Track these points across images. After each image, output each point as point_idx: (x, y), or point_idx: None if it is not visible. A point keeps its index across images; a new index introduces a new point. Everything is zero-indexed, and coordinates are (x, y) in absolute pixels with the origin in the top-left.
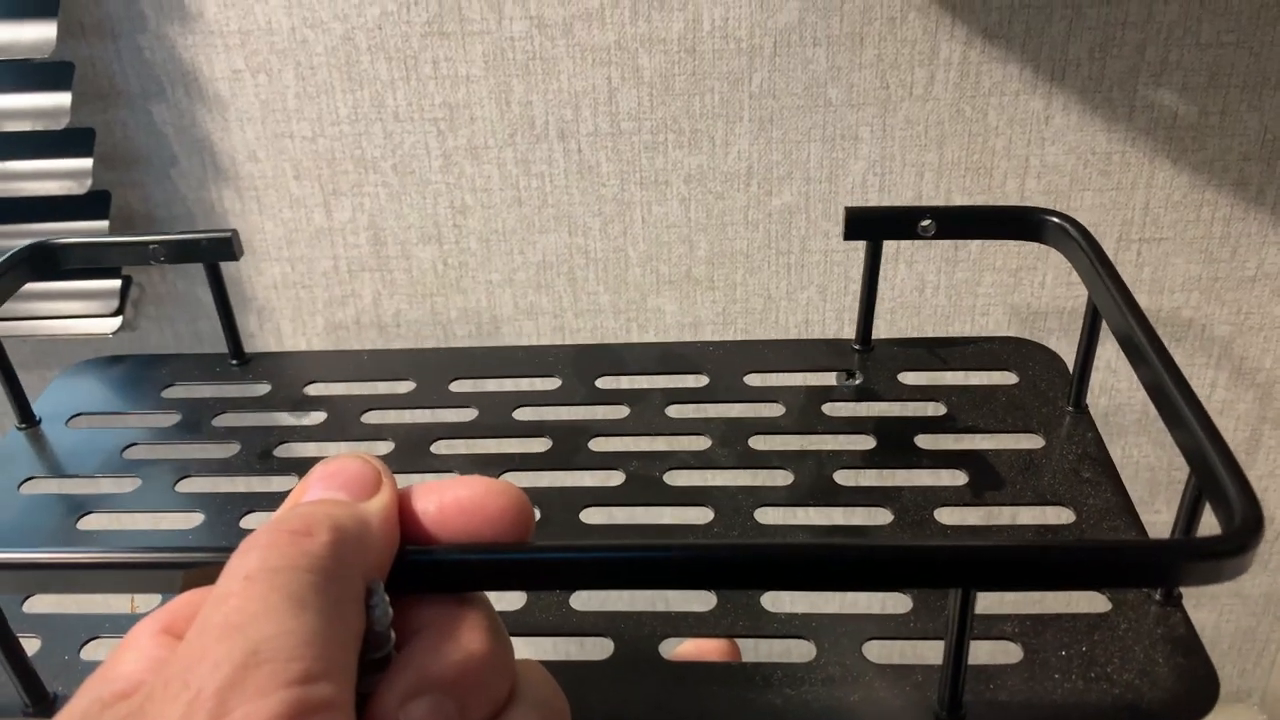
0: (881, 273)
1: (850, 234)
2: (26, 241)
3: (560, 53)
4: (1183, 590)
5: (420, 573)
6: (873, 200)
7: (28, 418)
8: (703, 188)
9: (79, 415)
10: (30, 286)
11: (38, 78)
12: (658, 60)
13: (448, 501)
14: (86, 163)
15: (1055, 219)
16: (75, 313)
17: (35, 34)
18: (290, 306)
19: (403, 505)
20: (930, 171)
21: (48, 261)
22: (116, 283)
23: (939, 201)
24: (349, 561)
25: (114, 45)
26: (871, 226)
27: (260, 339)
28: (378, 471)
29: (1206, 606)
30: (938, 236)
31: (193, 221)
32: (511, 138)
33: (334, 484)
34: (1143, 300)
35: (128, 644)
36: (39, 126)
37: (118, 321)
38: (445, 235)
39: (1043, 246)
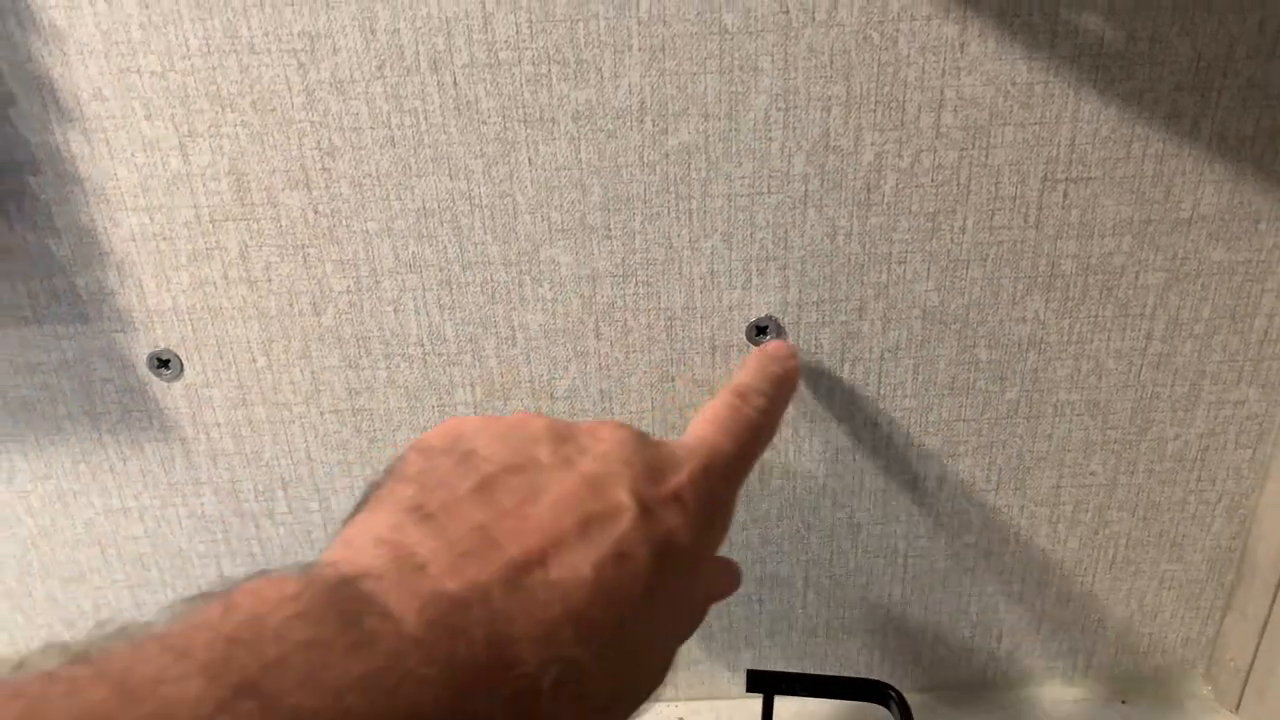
0: (789, 219)
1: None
2: None
3: None
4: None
5: None
6: (777, 138)
7: None
8: (592, 125)
9: None
10: None
11: None
12: None
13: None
14: None
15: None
16: None
17: None
18: (151, 261)
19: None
20: (838, 106)
21: None
22: None
23: (849, 139)
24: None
25: None
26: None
27: (122, 296)
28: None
29: (1146, 574)
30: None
31: (37, 167)
32: (379, 70)
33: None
34: (1070, 247)
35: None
36: None
37: None
38: (314, 180)
39: (963, 183)
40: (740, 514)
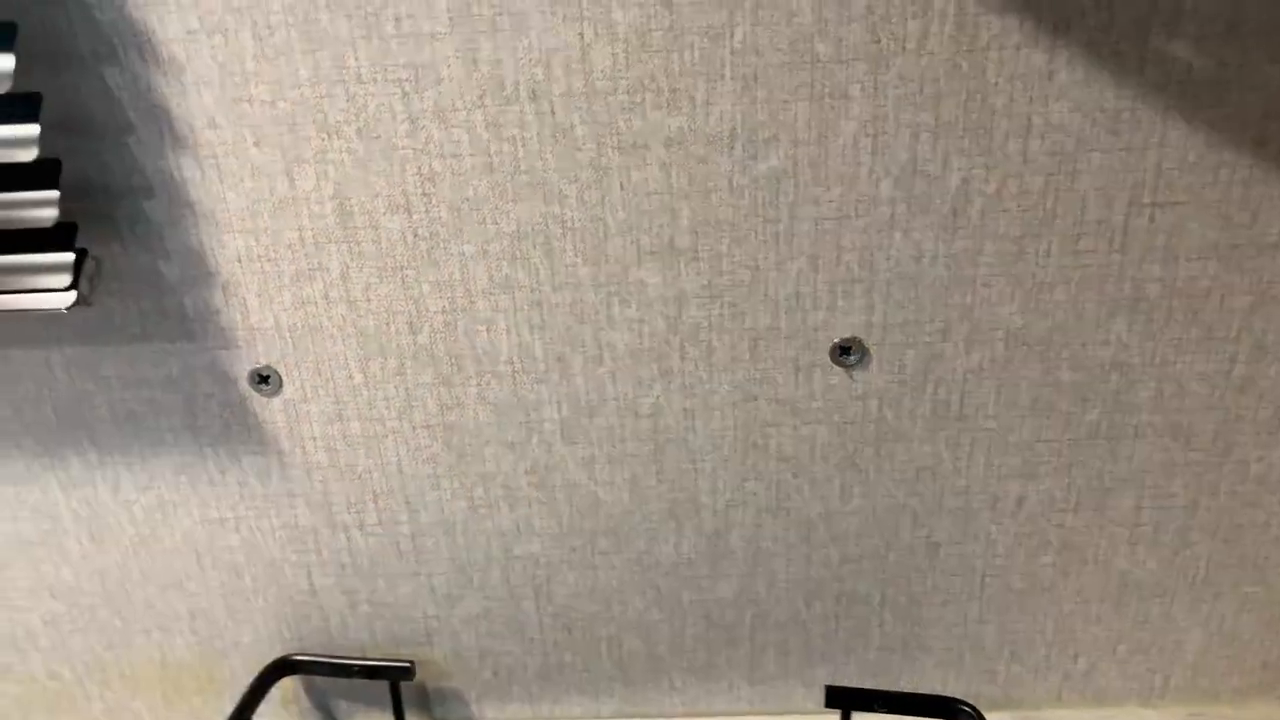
0: (875, 242)
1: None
2: None
3: (529, 7)
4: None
5: None
6: (865, 163)
7: None
8: (684, 151)
9: None
10: None
11: None
12: (632, 14)
13: None
14: (33, 129)
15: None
16: (27, 287)
17: None
18: (256, 281)
19: None
20: (926, 132)
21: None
22: (70, 256)
23: (937, 164)
24: None
25: (61, 4)
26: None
27: (227, 314)
28: None
29: (1227, 596)
30: None
31: (151, 193)
32: (480, 99)
33: None
34: (1155, 270)
35: None
36: None
37: (72, 296)
38: (414, 204)
39: (1049, 207)
40: (820, 532)
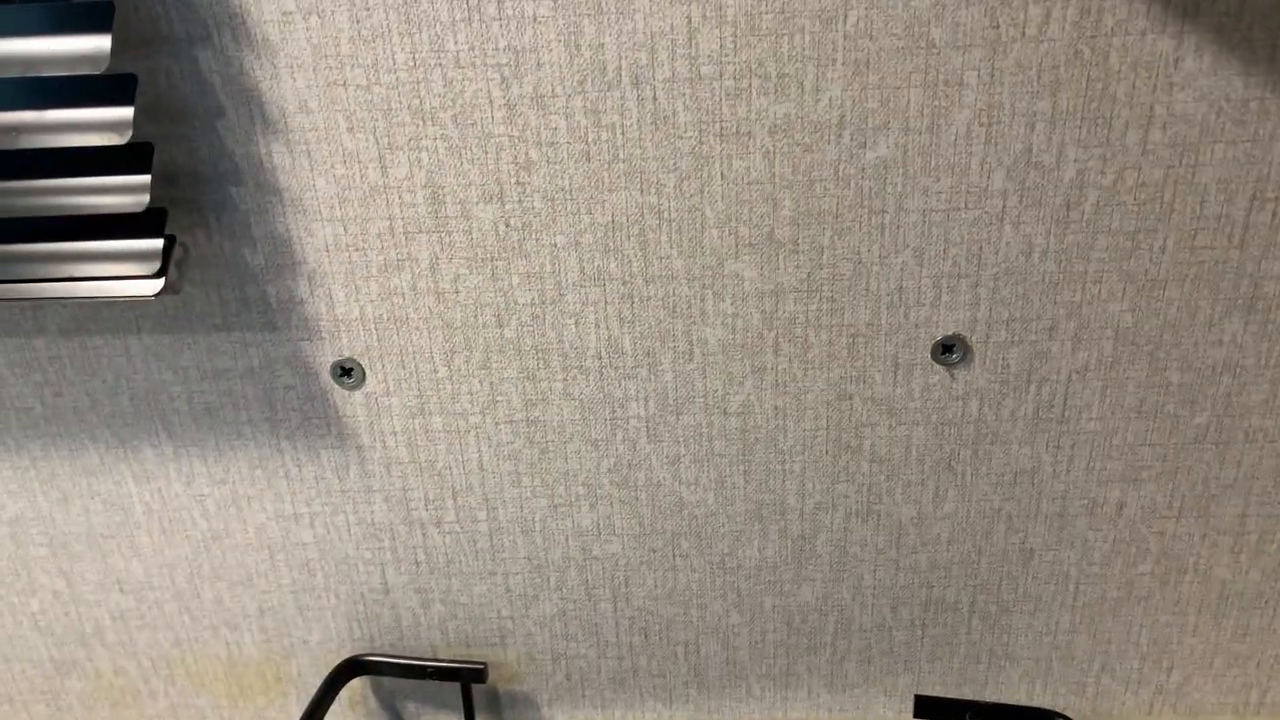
0: (984, 235)
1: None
2: (59, 198)
3: None
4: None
5: None
6: (978, 153)
7: None
8: (789, 139)
9: None
10: (67, 245)
11: (76, 19)
12: None
13: None
14: (127, 112)
15: None
16: (114, 274)
17: None
18: (343, 271)
19: None
20: (1043, 122)
21: None
22: (159, 242)
23: (1052, 155)
24: None
25: None
26: None
27: (311, 305)
28: None
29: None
30: None
31: (239, 178)
32: (581, 85)
33: None
34: (1275, 268)
35: None
36: (77, 71)
37: (160, 284)
38: (508, 193)
39: (1166, 201)
40: (910, 537)
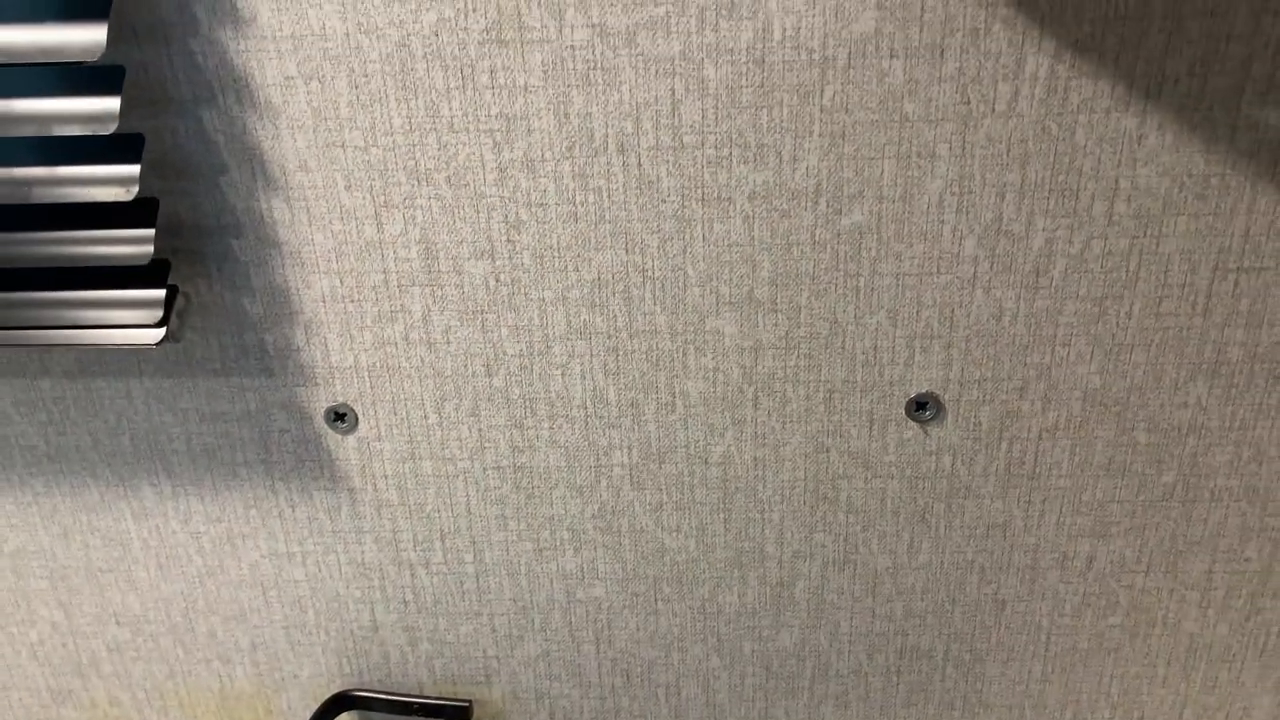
0: (956, 299)
1: None
2: (68, 248)
3: (623, 63)
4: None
5: None
6: (950, 221)
7: None
8: (767, 205)
9: None
10: (74, 294)
11: (87, 81)
12: (724, 71)
13: None
14: (134, 169)
15: None
16: (118, 322)
17: (86, 37)
18: (338, 321)
19: None
20: (1012, 192)
21: None
22: (162, 292)
23: (1021, 224)
24: None
25: (166, 49)
26: None
27: (307, 353)
28: None
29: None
30: None
31: (240, 232)
32: (569, 151)
33: None
34: (1238, 335)
35: None
36: (87, 131)
37: (161, 333)
38: (498, 250)
39: (1132, 270)
40: (886, 586)
